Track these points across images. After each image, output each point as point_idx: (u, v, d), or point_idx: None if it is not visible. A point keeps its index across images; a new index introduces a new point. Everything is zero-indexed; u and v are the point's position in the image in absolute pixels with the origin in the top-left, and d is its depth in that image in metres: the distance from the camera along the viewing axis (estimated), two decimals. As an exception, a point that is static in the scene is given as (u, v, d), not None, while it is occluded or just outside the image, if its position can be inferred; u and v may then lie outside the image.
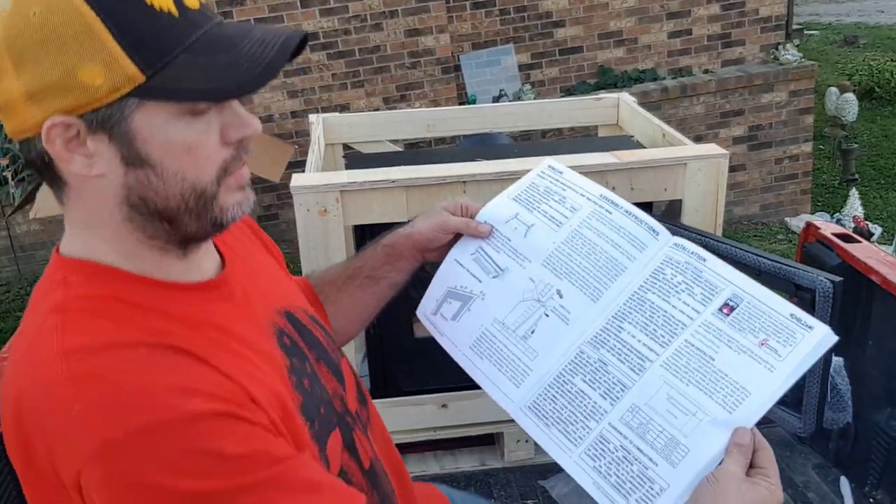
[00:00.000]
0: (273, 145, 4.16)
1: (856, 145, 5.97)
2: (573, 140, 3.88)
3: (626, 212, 1.10)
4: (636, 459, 0.91)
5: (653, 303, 1.00)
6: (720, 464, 0.87)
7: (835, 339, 0.91)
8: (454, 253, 1.15)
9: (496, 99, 4.96)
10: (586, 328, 1.02)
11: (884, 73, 7.37)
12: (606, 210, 1.10)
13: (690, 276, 1.00)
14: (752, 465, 0.87)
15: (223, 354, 0.77)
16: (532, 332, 1.05)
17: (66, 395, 0.69)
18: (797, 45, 5.54)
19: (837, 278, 1.37)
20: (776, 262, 1.44)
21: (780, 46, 5.26)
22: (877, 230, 5.00)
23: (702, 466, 0.88)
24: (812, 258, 1.76)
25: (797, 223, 5.15)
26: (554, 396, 0.99)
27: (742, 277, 0.99)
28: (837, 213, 5.24)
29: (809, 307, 1.35)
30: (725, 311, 0.96)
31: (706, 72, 5.26)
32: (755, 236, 5.22)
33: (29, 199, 4.34)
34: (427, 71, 4.82)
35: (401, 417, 1.80)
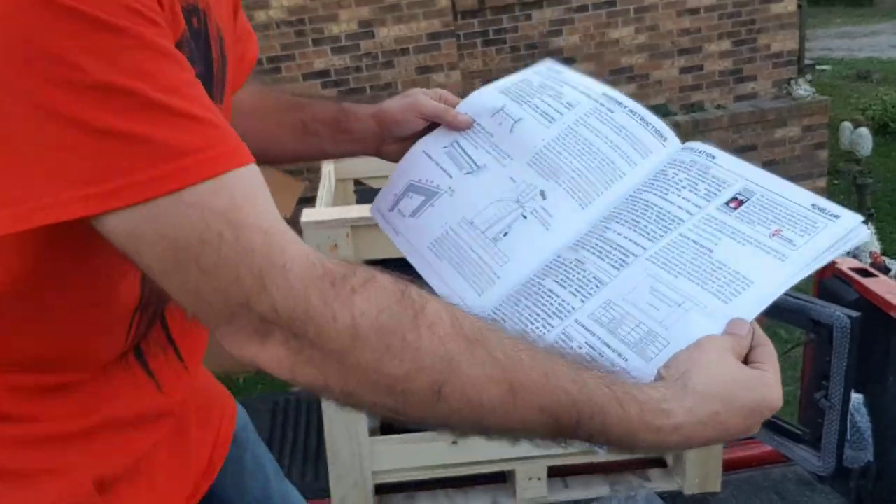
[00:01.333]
0: (283, 181, 4.18)
1: (871, 180, 5.94)
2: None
3: (631, 111, 0.96)
4: (602, 356, 0.75)
5: (647, 201, 0.86)
6: None
7: (866, 231, 0.77)
8: (423, 144, 1.01)
9: (508, 135, 4.98)
10: (569, 235, 0.88)
11: (898, 108, 7.35)
12: (608, 108, 0.96)
13: (695, 174, 0.87)
14: (747, 361, 0.71)
15: None
16: (505, 234, 0.90)
17: None
18: (810, 81, 5.54)
19: (856, 313, 1.34)
20: (792, 296, 1.42)
21: (793, 81, 5.27)
22: (894, 265, 4.95)
23: None
24: (829, 293, 1.73)
25: (813, 258, 5.09)
26: (517, 300, 0.84)
27: (757, 171, 0.85)
28: (854, 249, 5.20)
29: (827, 343, 1.32)
30: (733, 205, 0.82)
31: (718, 107, 5.27)
32: (770, 271, 5.18)
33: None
34: (439, 107, 4.85)
35: (411, 455, 1.77)
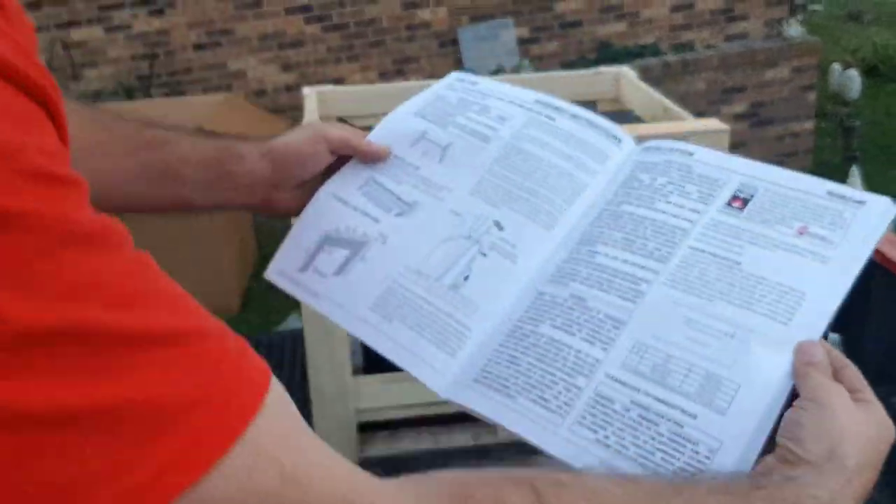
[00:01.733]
0: (267, 121, 4.11)
1: (858, 123, 5.92)
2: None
3: (574, 116, 0.85)
4: (661, 416, 0.62)
5: (632, 214, 0.74)
6: (790, 395, 0.60)
7: None
8: (330, 187, 0.84)
9: (494, 73, 4.90)
10: (542, 264, 0.76)
11: (888, 50, 7.29)
12: (547, 116, 0.85)
13: (678, 176, 0.76)
14: None
15: None
16: (465, 277, 0.76)
17: None
18: (801, 21, 5.47)
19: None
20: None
21: (784, 21, 5.20)
22: (878, 208, 4.98)
23: (764, 406, 0.60)
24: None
25: (797, 201, 5.11)
26: (513, 357, 0.69)
27: (747, 162, 0.75)
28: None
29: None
30: (736, 204, 0.72)
31: (708, 47, 5.20)
32: (755, 214, 5.20)
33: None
34: (424, 45, 4.76)
35: (395, 393, 1.78)
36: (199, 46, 4.63)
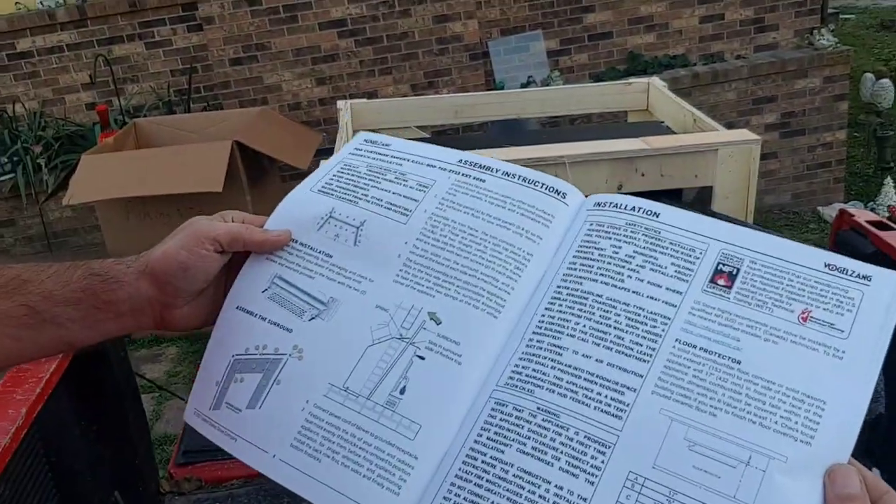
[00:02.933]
0: (301, 133, 4.18)
1: (892, 132, 5.85)
2: (602, 126, 3.85)
3: (507, 174, 0.72)
4: None
5: (598, 295, 0.62)
6: None
7: None
8: (233, 299, 0.71)
9: (524, 85, 4.93)
10: (494, 362, 0.62)
11: (922, 59, 7.20)
12: (475, 178, 0.72)
13: (645, 243, 0.63)
14: None
15: None
16: (402, 390, 0.62)
17: None
18: (832, 30, 5.43)
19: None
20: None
21: (815, 31, 5.16)
22: (912, 219, 4.92)
23: None
24: (845, 246, 1.73)
25: (829, 212, 5.07)
26: (474, 495, 0.55)
27: (725, 226, 0.64)
28: (871, 202, 5.15)
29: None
30: (722, 281, 0.60)
31: (738, 57, 5.18)
32: (786, 226, 5.15)
33: (62, 186, 4.41)
34: (455, 57, 4.81)
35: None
36: (235, 61, 4.73)
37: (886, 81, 5.81)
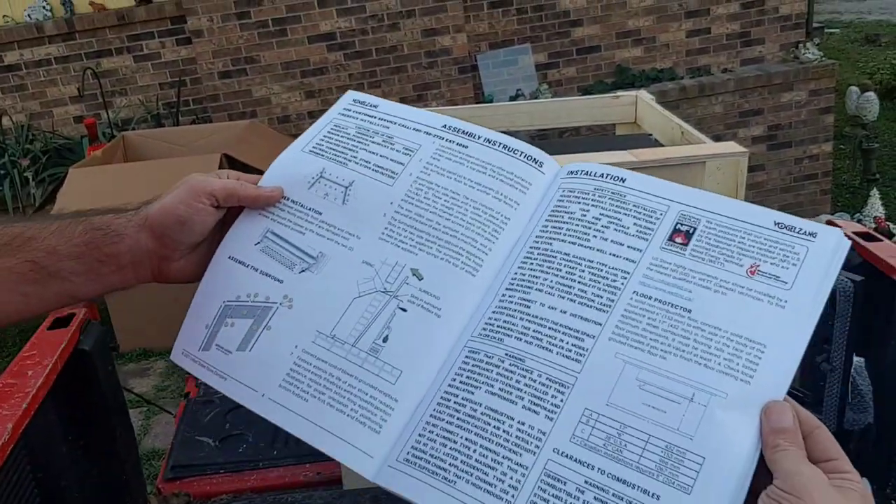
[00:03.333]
0: (275, 138, 4.18)
1: (877, 144, 5.91)
2: (591, 138, 3.87)
3: (488, 140, 0.76)
4: (620, 499, 0.55)
5: (566, 254, 0.67)
6: (758, 468, 0.55)
7: (848, 242, 0.65)
8: (225, 248, 0.75)
9: (513, 99, 4.95)
10: (470, 316, 0.67)
11: (906, 72, 7.28)
12: (459, 144, 0.76)
13: (610, 206, 0.68)
14: (815, 461, 0.56)
15: None
16: (385, 339, 0.67)
17: None
18: (818, 44, 5.49)
19: (858, 277, 1.36)
20: (796, 261, 1.43)
21: (801, 45, 5.21)
22: (898, 230, 4.95)
23: (734, 482, 0.54)
24: (833, 257, 1.74)
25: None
26: (448, 432, 0.61)
27: (685, 190, 0.69)
28: (858, 214, 5.19)
29: (830, 306, 1.34)
30: (679, 239, 0.65)
31: (725, 71, 5.22)
32: (774, 236, 5.18)
33: (49, 199, 4.39)
34: (444, 71, 4.82)
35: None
36: (224, 74, 4.73)
37: (871, 94, 5.87)
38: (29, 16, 4.74)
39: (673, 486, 0.55)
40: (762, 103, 5.12)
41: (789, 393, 0.57)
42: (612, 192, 0.69)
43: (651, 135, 2.13)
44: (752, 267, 0.63)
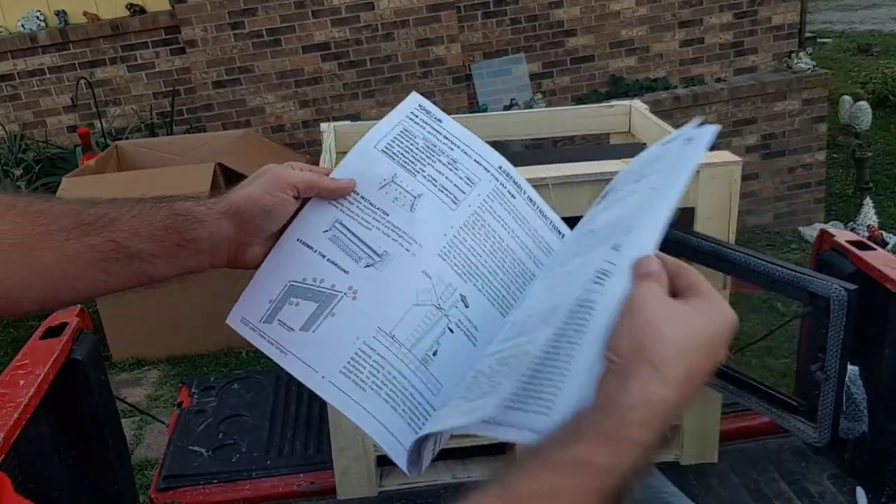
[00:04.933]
0: (284, 155, 4.17)
1: (870, 154, 5.93)
2: (585, 148, 3.87)
3: (530, 200, 0.82)
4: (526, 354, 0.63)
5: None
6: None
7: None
8: (295, 231, 0.78)
9: (507, 108, 4.96)
10: (489, 351, 0.73)
11: (898, 82, 7.32)
12: (509, 192, 0.82)
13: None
14: (676, 294, 0.59)
15: None
16: (435, 353, 0.73)
17: None
18: (810, 54, 5.52)
19: (852, 286, 1.36)
20: (790, 269, 1.43)
21: (793, 55, 5.24)
22: (891, 239, 4.96)
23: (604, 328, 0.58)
24: (826, 266, 1.74)
25: (810, 232, 5.11)
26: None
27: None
28: (851, 222, 5.20)
29: (824, 315, 1.34)
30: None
31: (718, 80, 5.24)
32: (768, 245, 5.19)
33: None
34: (438, 80, 4.83)
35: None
36: (218, 84, 4.73)
37: (864, 104, 5.90)
38: (23, 26, 4.73)
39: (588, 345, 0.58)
40: (755, 112, 5.14)
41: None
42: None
43: (645, 144, 2.13)
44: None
